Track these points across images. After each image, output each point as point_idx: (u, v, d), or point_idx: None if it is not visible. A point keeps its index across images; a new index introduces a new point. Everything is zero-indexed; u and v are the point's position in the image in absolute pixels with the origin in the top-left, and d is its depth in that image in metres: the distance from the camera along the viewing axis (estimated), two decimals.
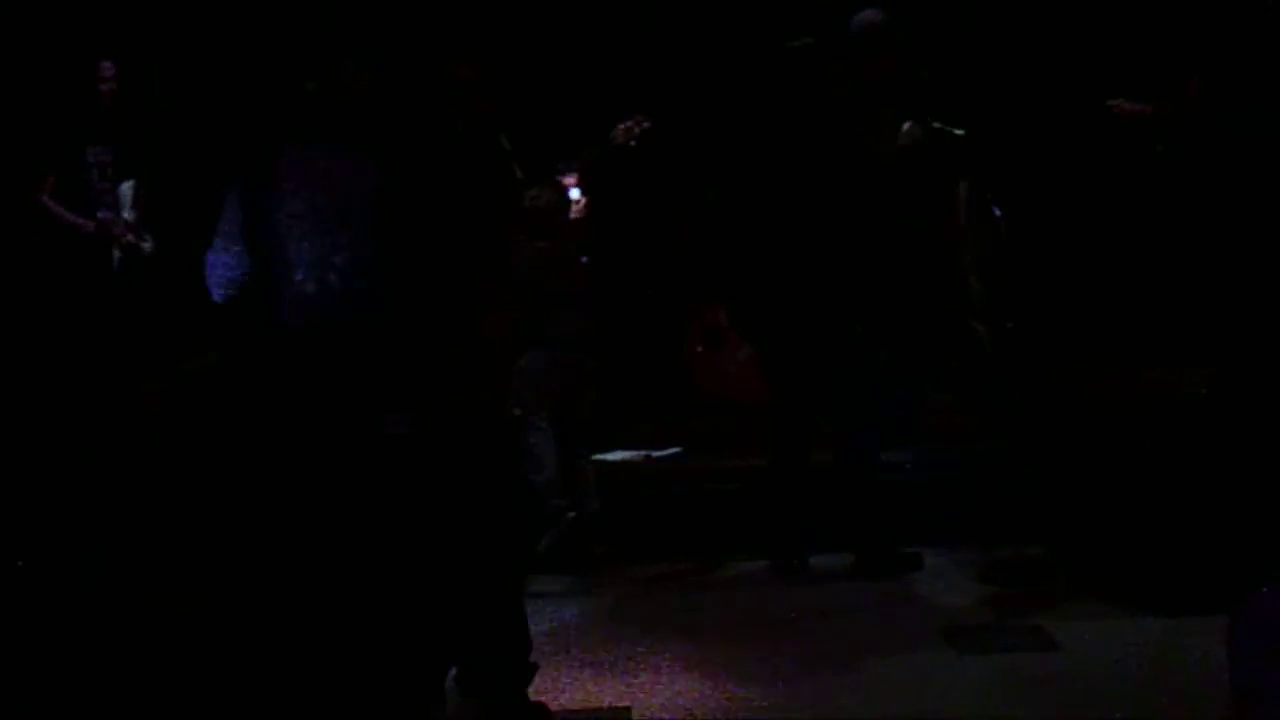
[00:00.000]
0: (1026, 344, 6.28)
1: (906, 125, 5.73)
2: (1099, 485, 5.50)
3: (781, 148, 5.68)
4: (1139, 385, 5.61)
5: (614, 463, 6.57)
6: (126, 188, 6.62)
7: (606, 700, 4.63)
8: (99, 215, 6.47)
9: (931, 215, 5.95)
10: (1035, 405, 6.04)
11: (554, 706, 4.44)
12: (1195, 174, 6.36)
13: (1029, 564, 5.64)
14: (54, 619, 4.75)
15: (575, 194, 6.04)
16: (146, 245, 6.57)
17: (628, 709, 4.54)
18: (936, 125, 5.90)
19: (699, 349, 7.46)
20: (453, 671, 4.31)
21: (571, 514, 5.82)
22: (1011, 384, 6.07)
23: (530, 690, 4.32)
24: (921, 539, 5.88)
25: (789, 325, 5.68)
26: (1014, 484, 5.82)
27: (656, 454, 6.81)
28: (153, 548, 5.25)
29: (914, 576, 5.70)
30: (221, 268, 4.00)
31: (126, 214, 6.57)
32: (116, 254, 6.50)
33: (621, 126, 6.11)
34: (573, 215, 6.09)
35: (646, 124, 6.15)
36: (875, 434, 5.76)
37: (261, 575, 4.56)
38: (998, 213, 6.34)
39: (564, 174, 6.07)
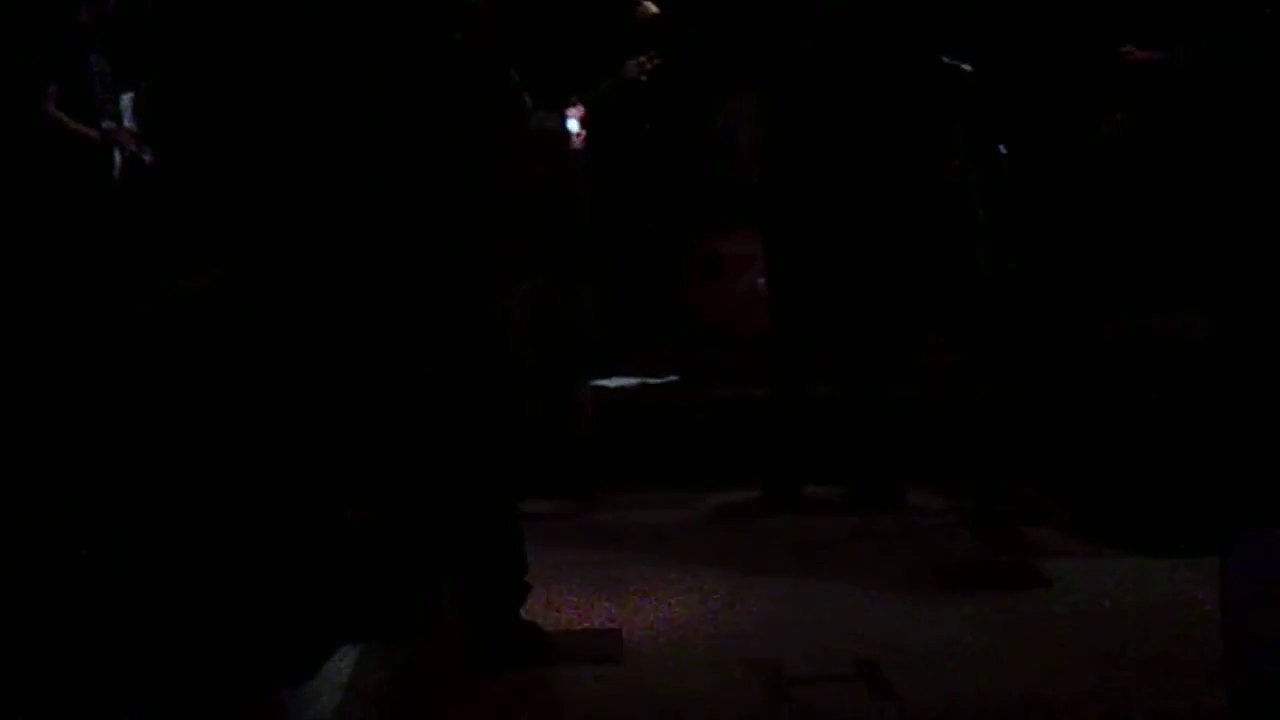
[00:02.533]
0: (1028, 283, 6.29)
1: None
2: (1095, 425, 5.52)
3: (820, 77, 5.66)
4: (1138, 327, 5.61)
5: (612, 389, 6.58)
6: (128, 99, 6.57)
7: (598, 621, 4.68)
8: (102, 125, 6.43)
9: (933, 148, 5.94)
10: (1035, 344, 6.06)
11: (546, 626, 4.49)
12: (1202, 119, 6.33)
13: (1023, 502, 5.66)
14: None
15: (573, 125, 6.00)
16: (147, 157, 6.54)
17: (618, 630, 4.59)
18: (946, 60, 5.88)
19: (699, 279, 7.46)
20: (448, 589, 4.34)
21: (561, 445, 5.86)
22: (1009, 323, 6.08)
23: (524, 610, 4.36)
24: (916, 475, 5.92)
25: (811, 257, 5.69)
26: (1009, 421, 5.84)
27: (653, 381, 6.82)
28: (146, 463, 5.26)
29: (907, 511, 5.74)
30: (229, 179, 4.00)
31: (128, 124, 6.54)
32: (118, 163, 6.46)
33: (632, 61, 6.07)
34: (572, 146, 6.07)
35: (658, 60, 6.10)
36: (883, 368, 5.78)
37: (254, 488, 4.57)
38: (1002, 150, 6.32)
39: (573, 105, 6.03)
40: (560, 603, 4.78)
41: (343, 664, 4.07)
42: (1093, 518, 5.42)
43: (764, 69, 5.99)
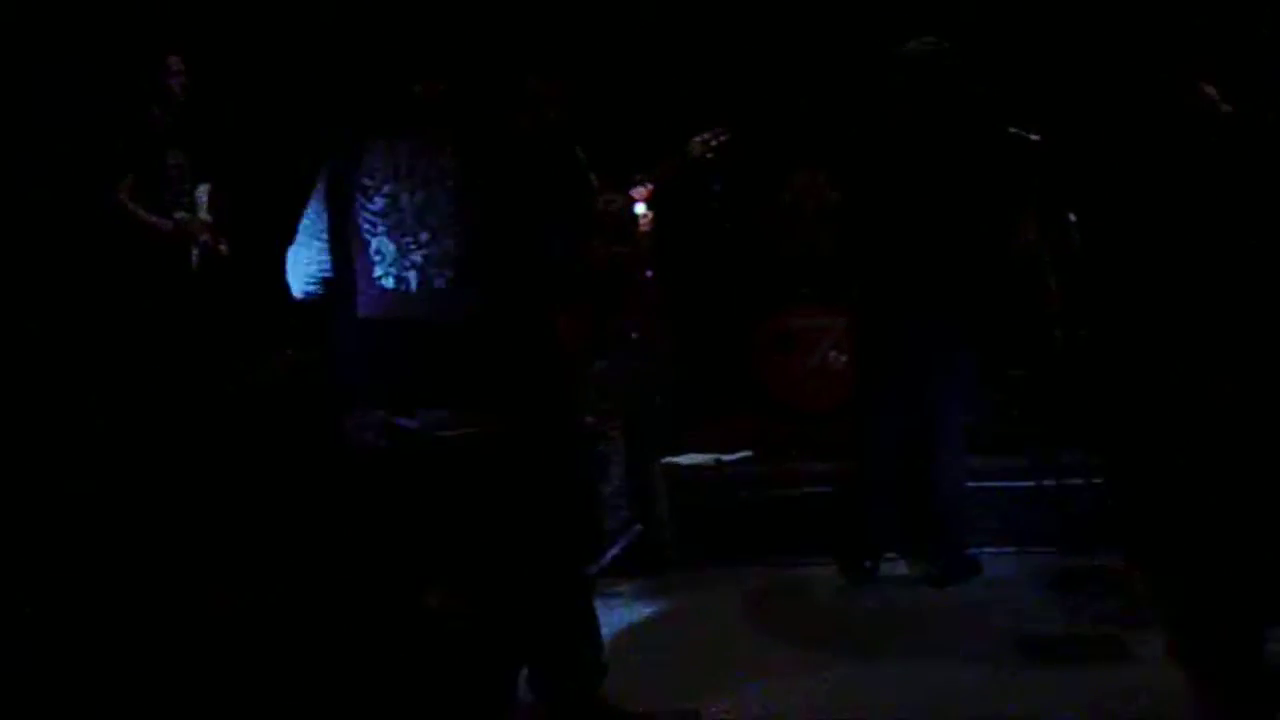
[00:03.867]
0: (1101, 351, 6.22)
1: None
2: (1175, 493, 5.44)
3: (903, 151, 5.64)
4: (1216, 393, 5.53)
5: (684, 466, 6.57)
6: (202, 190, 6.67)
7: (675, 701, 4.63)
8: (175, 217, 6.52)
9: (1004, 220, 5.92)
10: (1111, 412, 5.98)
11: (623, 707, 4.45)
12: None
13: (1103, 573, 5.59)
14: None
15: (641, 208, 6.03)
16: (224, 247, 6.63)
17: (696, 712, 4.55)
18: (1012, 130, 5.87)
19: (770, 354, 7.46)
20: (524, 672, 4.33)
21: (638, 527, 5.84)
22: (1083, 392, 6.02)
23: (600, 691, 4.34)
24: (994, 547, 5.86)
25: (894, 324, 5.66)
26: (1089, 492, 5.78)
27: (726, 458, 6.80)
28: (228, 547, 5.31)
29: (986, 584, 5.66)
30: (302, 264, 4.04)
31: (203, 215, 6.63)
32: (195, 255, 6.55)
33: (698, 139, 6.09)
34: (640, 228, 6.10)
35: (724, 137, 6.12)
36: (960, 439, 5.72)
37: (332, 577, 4.60)
38: (1071, 218, 6.29)
39: (640, 184, 6.06)
40: (637, 683, 4.74)
41: None
42: (1176, 587, 5.32)
43: (831, 144, 6.00)
